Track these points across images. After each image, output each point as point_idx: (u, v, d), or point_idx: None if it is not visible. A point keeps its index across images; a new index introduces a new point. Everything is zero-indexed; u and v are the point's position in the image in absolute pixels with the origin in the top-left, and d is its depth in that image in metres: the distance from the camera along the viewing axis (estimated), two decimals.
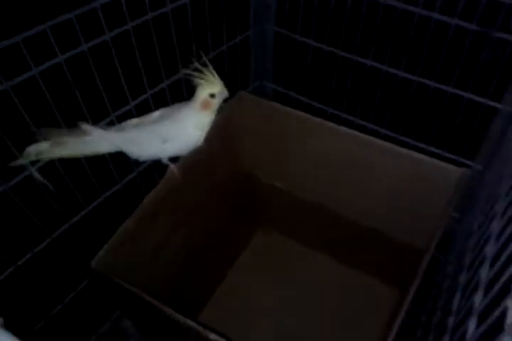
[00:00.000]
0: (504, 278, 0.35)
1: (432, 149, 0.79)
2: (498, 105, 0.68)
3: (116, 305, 0.85)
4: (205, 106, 0.61)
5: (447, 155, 0.78)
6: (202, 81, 0.59)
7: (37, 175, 0.61)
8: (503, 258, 0.38)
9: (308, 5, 0.74)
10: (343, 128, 0.74)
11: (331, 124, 0.74)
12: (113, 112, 0.67)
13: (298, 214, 0.93)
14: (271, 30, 0.82)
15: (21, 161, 0.59)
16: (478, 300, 0.40)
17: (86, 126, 0.62)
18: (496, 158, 0.72)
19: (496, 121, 0.70)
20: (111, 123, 0.67)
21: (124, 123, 0.66)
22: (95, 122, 0.64)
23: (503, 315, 0.30)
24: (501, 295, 0.33)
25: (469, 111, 0.71)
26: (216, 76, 0.59)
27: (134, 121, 0.65)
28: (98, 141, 0.62)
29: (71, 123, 0.62)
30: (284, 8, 0.77)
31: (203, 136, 0.63)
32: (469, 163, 0.77)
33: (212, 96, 0.60)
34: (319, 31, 0.76)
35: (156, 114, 0.65)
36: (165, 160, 0.66)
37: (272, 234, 0.99)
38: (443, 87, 0.71)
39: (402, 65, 0.72)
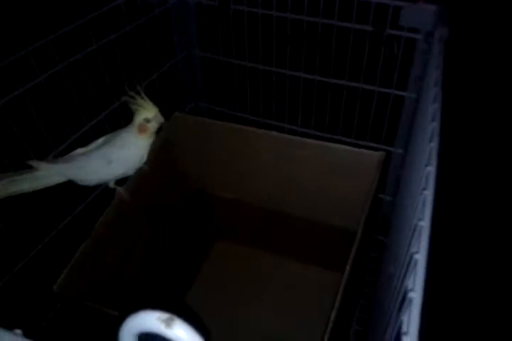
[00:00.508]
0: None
1: (356, 141, 0.88)
2: (403, 93, 0.78)
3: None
4: (142, 129, 0.66)
5: (370, 144, 0.87)
6: (137, 107, 0.65)
7: None
8: None
9: (225, 28, 0.82)
10: (273, 133, 0.81)
11: (261, 131, 0.81)
12: (56, 148, 0.71)
13: (248, 221, 0.99)
14: (197, 55, 0.88)
15: None
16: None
17: (34, 162, 0.65)
18: (412, 141, 0.81)
19: (406, 108, 0.80)
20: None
21: (70, 154, 0.69)
22: (40, 158, 0.68)
23: None
24: None
25: (381, 103, 0.81)
26: (149, 102, 0.65)
27: (80, 150, 0.69)
28: (47, 174, 0.66)
29: (15, 163, 0.65)
30: (205, 34, 0.84)
31: (144, 156, 0.69)
32: (391, 149, 0.87)
33: (147, 120, 0.66)
34: (239, 51, 0.84)
35: (100, 140, 0.70)
36: (112, 184, 0.70)
37: (227, 243, 1.04)
38: (355, 84, 0.80)
39: (316, 69, 0.81)
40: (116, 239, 0.72)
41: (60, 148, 0.71)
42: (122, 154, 0.67)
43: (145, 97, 0.64)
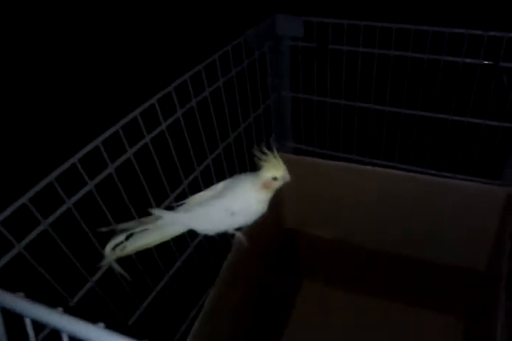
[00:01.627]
0: None
1: (458, 176, 0.85)
2: None
3: None
4: (267, 186, 0.64)
5: (474, 179, 0.84)
6: (266, 163, 0.63)
7: (116, 267, 0.63)
8: None
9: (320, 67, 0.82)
10: (378, 169, 0.79)
11: (364, 167, 0.79)
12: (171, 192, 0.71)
13: (342, 261, 0.95)
14: (288, 96, 0.89)
15: (108, 260, 0.61)
16: None
17: (157, 211, 0.65)
18: None
19: None
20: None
21: (187, 202, 0.68)
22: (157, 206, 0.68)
23: None
24: None
25: (487, 136, 0.78)
26: (280, 161, 0.63)
27: (197, 197, 0.68)
28: (170, 223, 0.65)
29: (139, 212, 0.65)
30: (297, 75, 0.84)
31: (265, 208, 0.66)
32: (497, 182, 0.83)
33: (274, 179, 0.64)
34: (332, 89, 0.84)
35: (219, 186, 0.68)
36: (231, 231, 0.69)
37: (317, 286, 1.00)
38: (460, 118, 0.78)
39: (418, 104, 0.79)
40: (238, 285, 0.70)
41: (174, 193, 0.71)
42: (245, 207, 0.65)
43: (277, 155, 0.63)
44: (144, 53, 1.90)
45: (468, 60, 0.70)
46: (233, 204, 0.65)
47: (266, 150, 0.63)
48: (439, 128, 0.81)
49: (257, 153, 0.63)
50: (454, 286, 0.87)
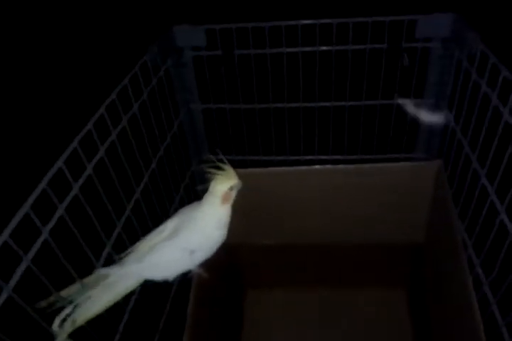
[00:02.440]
0: None
1: (377, 156, 0.89)
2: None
3: None
4: (227, 199, 0.60)
5: (392, 156, 0.88)
6: (219, 175, 0.59)
7: None
8: None
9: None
10: (304, 168, 0.78)
11: (295, 169, 0.78)
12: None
13: (285, 263, 0.95)
14: (197, 108, 0.84)
15: (60, 339, 0.53)
16: None
17: (101, 270, 0.57)
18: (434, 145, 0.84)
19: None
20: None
21: (133, 250, 0.61)
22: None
23: None
24: None
25: (399, 114, 0.82)
26: (231, 169, 0.59)
27: (144, 243, 0.61)
28: (121, 279, 0.58)
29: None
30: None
31: (226, 232, 0.62)
32: (411, 155, 0.88)
33: (231, 188, 0.60)
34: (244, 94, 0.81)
35: (169, 225, 0.61)
36: (195, 270, 0.64)
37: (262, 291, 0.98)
38: (373, 102, 0.81)
39: (332, 97, 0.81)
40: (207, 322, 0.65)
41: (111, 240, 0.63)
42: (205, 237, 0.60)
43: (228, 164, 0.59)
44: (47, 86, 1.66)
45: (375, 46, 0.73)
46: (190, 241, 0.60)
47: (215, 162, 0.58)
48: (353, 115, 0.83)
49: (205, 168, 0.59)
50: (396, 262, 0.91)
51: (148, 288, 0.69)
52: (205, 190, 0.62)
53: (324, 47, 0.73)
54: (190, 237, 0.59)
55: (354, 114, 0.83)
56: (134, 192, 0.69)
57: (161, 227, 0.61)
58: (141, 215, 0.71)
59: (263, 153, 0.90)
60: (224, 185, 0.59)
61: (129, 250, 0.61)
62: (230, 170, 0.59)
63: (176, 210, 0.82)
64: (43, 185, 0.48)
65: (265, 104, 0.82)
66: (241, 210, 0.81)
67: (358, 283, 0.96)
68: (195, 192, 0.92)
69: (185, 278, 0.64)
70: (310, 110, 0.83)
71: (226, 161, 0.58)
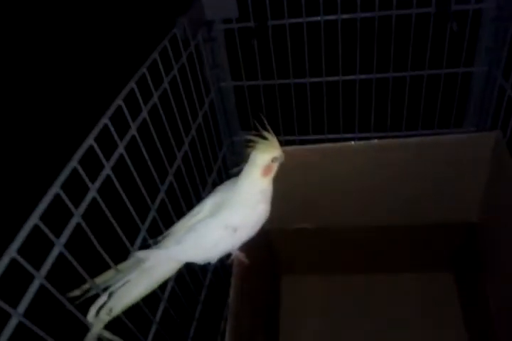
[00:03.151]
0: None
1: (423, 132, 0.83)
2: (472, 69, 0.74)
3: None
4: (267, 172, 0.54)
5: (438, 131, 0.82)
6: (261, 145, 0.53)
7: (109, 335, 0.51)
8: None
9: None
10: (351, 144, 0.73)
11: (332, 145, 0.73)
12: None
13: (322, 248, 0.90)
14: (229, 86, 0.80)
15: (95, 330, 0.49)
16: None
17: (138, 253, 0.53)
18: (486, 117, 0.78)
19: (475, 82, 0.75)
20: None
21: (170, 232, 0.57)
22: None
23: None
24: None
25: (447, 85, 0.76)
26: (274, 138, 0.53)
27: (181, 224, 0.57)
28: (159, 263, 0.54)
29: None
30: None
31: (269, 206, 0.56)
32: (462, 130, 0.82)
33: (274, 160, 0.54)
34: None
35: (207, 204, 0.57)
36: (235, 253, 0.60)
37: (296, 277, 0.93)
38: (419, 72, 0.75)
39: (374, 68, 0.75)
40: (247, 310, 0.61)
41: (145, 224, 0.59)
42: (248, 212, 0.55)
43: (272, 133, 0.53)
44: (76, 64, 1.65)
45: (420, 10, 0.67)
46: (232, 217, 0.55)
47: (259, 132, 0.52)
48: (397, 88, 0.78)
49: (249, 137, 0.53)
50: (444, 243, 0.85)
51: (183, 276, 0.65)
52: (238, 173, 0.58)
53: (367, 14, 0.68)
54: (232, 213, 0.55)
55: (398, 86, 0.77)
56: (166, 174, 0.66)
57: (198, 208, 0.57)
58: (175, 198, 0.67)
59: (299, 133, 0.85)
60: (266, 156, 0.53)
61: (166, 233, 0.57)
62: (273, 139, 0.53)
63: (208, 193, 0.79)
64: (74, 163, 0.44)
65: (302, 78, 0.77)
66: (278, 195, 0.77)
67: (401, 266, 0.91)
68: (227, 175, 0.88)
69: (224, 262, 0.61)
70: (350, 83, 0.77)
71: (270, 130, 0.52)
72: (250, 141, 0.53)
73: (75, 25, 1.74)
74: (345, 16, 0.69)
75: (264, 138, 0.53)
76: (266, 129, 0.52)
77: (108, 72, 1.41)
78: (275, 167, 0.54)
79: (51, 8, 1.72)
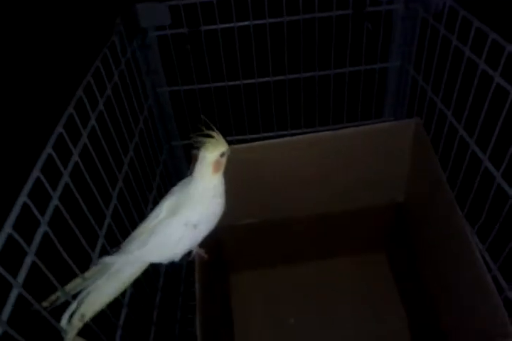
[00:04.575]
0: None
1: (348, 124, 0.90)
2: (387, 64, 0.82)
3: None
4: (218, 167, 0.57)
5: (363, 123, 0.90)
6: (209, 143, 0.56)
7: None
8: None
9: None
10: (287, 139, 0.78)
11: (267, 142, 0.77)
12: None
13: (267, 241, 0.94)
14: (164, 91, 0.82)
15: (69, 336, 0.50)
16: None
17: (105, 259, 0.55)
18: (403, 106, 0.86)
19: (390, 76, 0.84)
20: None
21: (135, 235, 0.58)
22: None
23: None
24: None
25: (366, 80, 0.84)
26: (219, 135, 0.56)
27: (142, 228, 0.58)
28: (125, 266, 0.56)
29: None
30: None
31: (224, 200, 0.60)
32: (381, 120, 0.90)
33: (222, 155, 0.57)
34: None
35: (165, 206, 0.59)
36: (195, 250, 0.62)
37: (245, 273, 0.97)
38: (342, 70, 0.81)
39: (300, 68, 0.80)
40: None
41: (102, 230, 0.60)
42: (205, 209, 0.58)
43: (216, 131, 0.56)
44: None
45: (340, 13, 0.73)
46: (191, 215, 0.57)
47: (204, 130, 0.55)
48: (323, 86, 0.84)
49: (195, 137, 0.56)
50: (373, 225, 0.93)
51: (139, 280, 0.66)
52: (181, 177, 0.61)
53: (292, 17, 0.73)
54: (190, 211, 0.57)
55: (323, 84, 0.83)
56: (115, 180, 0.67)
57: (157, 210, 0.59)
58: (125, 203, 0.68)
59: (236, 133, 0.89)
60: (214, 153, 0.56)
61: (128, 237, 0.58)
62: (218, 136, 0.56)
63: (154, 198, 0.80)
64: (36, 172, 0.45)
65: (236, 81, 0.81)
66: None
67: (341, 251, 0.97)
68: (169, 180, 0.90)
69: (180, 265, 0.63)
70: (280, 83, 0.82)
71: (214, 128, 0.56)
72: (196, 142, 0.56)
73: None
74: (272, 20, 0.74)
75: (209, 136, 0.56)
76: (208, 129, 0.56)
77: (46, 76, 1.36)
78: (224, 161, 0.58)
79: None
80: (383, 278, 0.93)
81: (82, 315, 0.51)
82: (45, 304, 0.49)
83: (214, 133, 0.56)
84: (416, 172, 0.80)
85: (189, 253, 0.62)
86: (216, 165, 0.57)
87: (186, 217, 0.57)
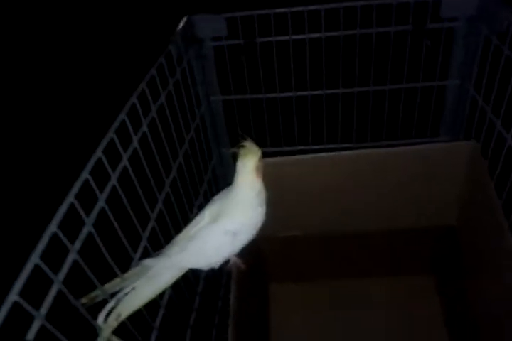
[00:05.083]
0: None
1: (401, 141, 0.88)
2: (446, 82, 0.79)
3: None
4: (259, 171, 0.57)
5: (416, 140, 0.87)
6: (243, 151, 0.56)
7: (116, 340, 0.53)
8: None
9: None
10: (333, 154, 0.77)
11: (314, 156, 0.76)
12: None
13: (311, 255, 0.93)
14: (218, 100, 0.83)
15: (105, 335, 0.52)
16: None
17: (146, 261, 0.56)
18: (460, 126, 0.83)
19: (449, 94, 0.81)
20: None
21: (173, 242, 0.59)
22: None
23: None
24: None
25: (423, 97, 0.81)
26: (252, 142, 0.57)
27: (183, 234, 0.59)
28: (164, 270, 0.57)
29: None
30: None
31: (265, 209, 0.59)
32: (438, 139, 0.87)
33: (259, 160, 0.56)
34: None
35: (206, 214, 0.59)
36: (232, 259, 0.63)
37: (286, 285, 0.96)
38: (397, 86, 0.80)
39: (355, 82, 0.80)
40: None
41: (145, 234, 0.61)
42: (246, 218, 0.58)
43: (249, 138, 0.56)
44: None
45: (399, 28, 0.72)
46: (232, 223, 0.57)
47: (242, 140, 0.56)
48: (377, 101, 0.83)
49: (234, 149, 0.57)
50: (421, 247, 0.90)
51: (178, 283, 0.68)
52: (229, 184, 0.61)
53: (349, 32, 0.73)
54: (231, 219, 0.57)
55: (378, 99, 0.82)
56: (162, 185, 0.68)
57: (198, 217, 0.60)
58: (171, 208, 0.70)
59: (285, 144, 0.89)
60: (253, 158, 0.56)
61: (170, 242, 0.59)
62: (251, 143, 0.56)
63: (200, 204, 0.81)
64: (85, 174, 0.47)
65: (288, 92, 0.81)
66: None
67: (383, 271, 0.95)
68: (216, 187, 0.91)
69: (221, 270, 0.63)
70: (333, 97, 0.82)
71: (246, 137, 0.56)
72: (236, 152, 0.57)
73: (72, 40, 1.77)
74: (328, 34, 0.73)
75: (245, 145, 0.56)
76: (245, 139, 0.56)
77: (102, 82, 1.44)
78: (261, 166, 0.57)
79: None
80: (428, 300, 0.90)
81: (119, 315, 0.53)
82: (83, 301, 0.51)
83: (247, 142, 0.56)
84: (470, 196, 0.77)
85: (227, 262, 0.62)
86: (258, 169, 0.57)
87: (226, 225, 0.57)
